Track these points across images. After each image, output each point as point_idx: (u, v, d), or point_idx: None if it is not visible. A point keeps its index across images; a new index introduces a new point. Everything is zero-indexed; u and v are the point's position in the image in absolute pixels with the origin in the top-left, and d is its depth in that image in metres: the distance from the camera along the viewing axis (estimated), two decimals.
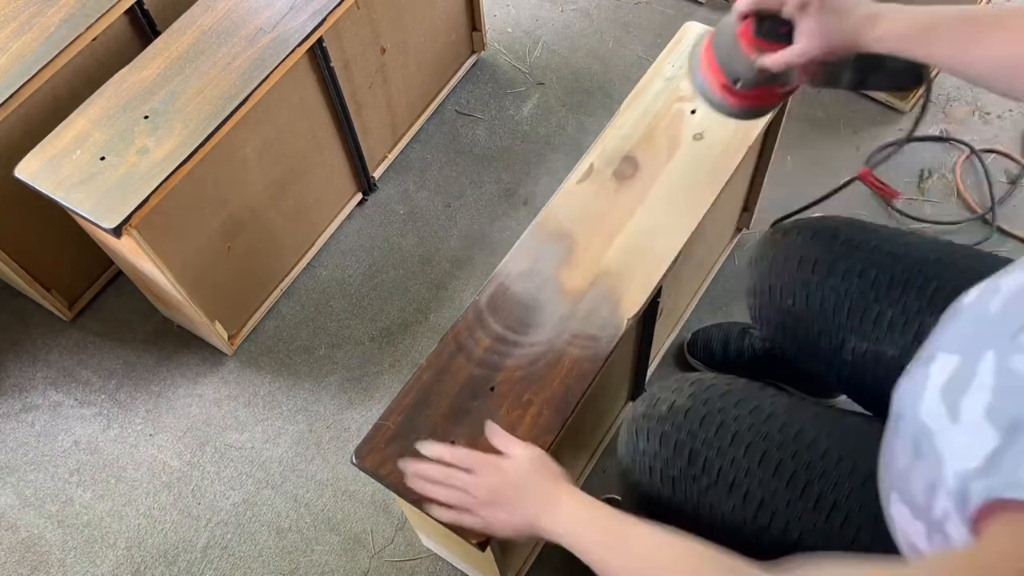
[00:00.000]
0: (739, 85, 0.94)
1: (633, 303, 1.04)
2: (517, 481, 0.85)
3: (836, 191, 1.32)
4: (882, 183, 1.56)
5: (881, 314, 0.95)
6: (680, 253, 1.08)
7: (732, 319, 1.55)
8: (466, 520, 0.86)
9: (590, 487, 1.44)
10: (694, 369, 1.52)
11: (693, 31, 1.28)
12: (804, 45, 0.85)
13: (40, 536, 1.45)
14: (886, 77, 0.93)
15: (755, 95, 0.95)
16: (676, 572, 0.73)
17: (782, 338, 1.11)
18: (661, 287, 1.09)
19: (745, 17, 0.89)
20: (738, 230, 1.66)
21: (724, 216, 1.50)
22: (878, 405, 0.96)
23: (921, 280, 0.94)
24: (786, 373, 1.44)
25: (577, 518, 0.84)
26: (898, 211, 1.70)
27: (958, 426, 0.62)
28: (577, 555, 0.80)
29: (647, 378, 1.48)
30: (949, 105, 1.85)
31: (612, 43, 1.99)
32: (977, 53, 0.75)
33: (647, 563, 0.75)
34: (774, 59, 0.87)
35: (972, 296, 0.71)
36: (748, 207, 1.61)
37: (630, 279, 1.06)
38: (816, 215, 1.11)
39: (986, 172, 1.73)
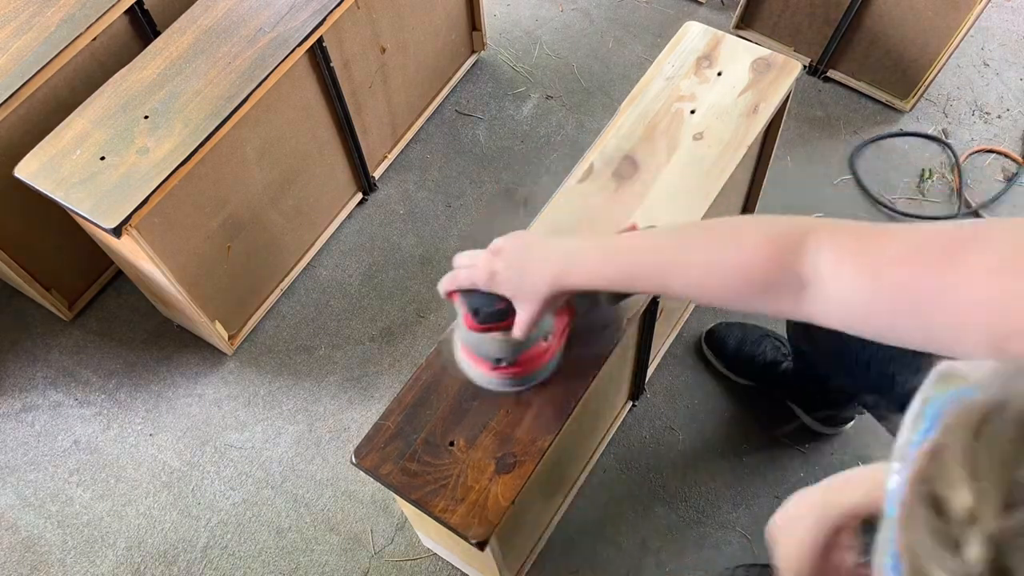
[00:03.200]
0: (504, 363, 0.94)
1: (633, 303, 1.04)
2: (527, 242, 0.85)
3: None
4: None
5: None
6: None
7: (736, 322, 1.55)
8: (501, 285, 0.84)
9: (590, 487, 1.44)
10: (706, 358, 1.53)
11: (693, 31, 1.28)
12: (522, 314, 0.84)
13: (40, 536, 1.45)
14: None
15: (525, 361, 0.95)
16: (715, 231, 0.75)
17: (825, 360, 1.06)
18: None
19: (450, 296, 0.89)
20: None
21: (724, 215, 1.50)
22: None
23: None
24: (793, 390, 1.44)
25: (599, 246, 0.82)
26: (899, 212, 1.70)
27: None
28: (617, 287, 0.81)
29: (647, 378, 1.49)
30: (949, 105, 1.85)
31: (612, 43, 1.99)
32: (675, 288, 0.77)
33: (687, 237, 0.77)
34: (514, 333, 0.86)
35: None
36: (748, 207, 1.61)
37: None
38: None
39: (961, 172, 1.73)
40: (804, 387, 1.41)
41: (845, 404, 1.38)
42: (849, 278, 0.64)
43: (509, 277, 0.83)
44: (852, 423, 1.43)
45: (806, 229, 0.68)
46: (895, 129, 1.82)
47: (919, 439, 0.43)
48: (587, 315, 0.97)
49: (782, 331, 1.46)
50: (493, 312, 0.86)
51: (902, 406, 0.89)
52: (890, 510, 0.43)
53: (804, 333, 1.07)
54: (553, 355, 0.97)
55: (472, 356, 0.96)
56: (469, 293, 0.87)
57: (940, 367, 0.50)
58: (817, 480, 1.42)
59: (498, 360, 0.93)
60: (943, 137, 1.79)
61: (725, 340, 1.50)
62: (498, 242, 0.86)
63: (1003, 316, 0.54)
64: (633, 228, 0.98)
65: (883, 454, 1.34)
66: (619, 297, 0.96)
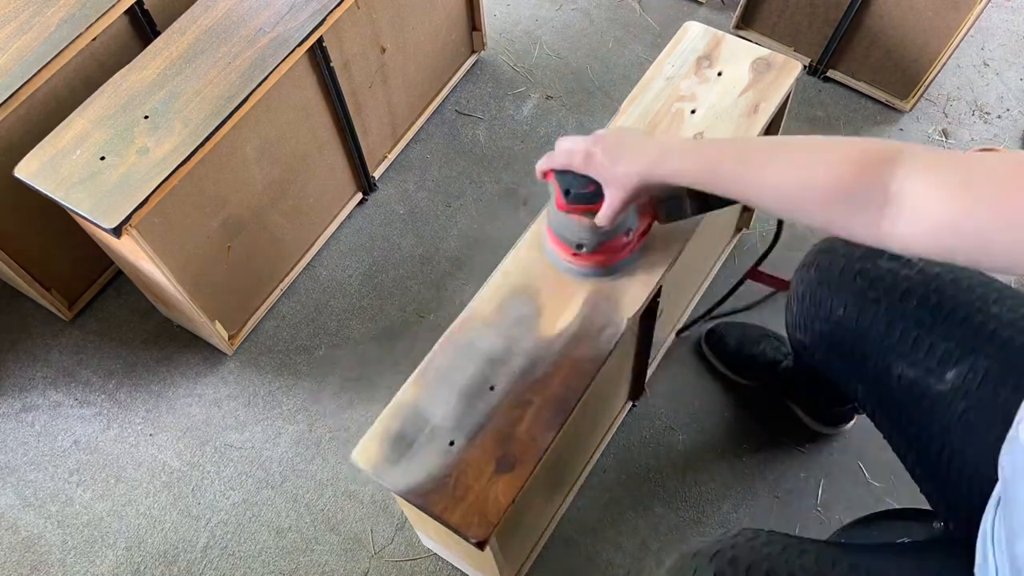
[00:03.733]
0: (584, 250, 0.97)
1: (633, 303, 1.04)
2: (626, 133, 0.90)
3: (732, 291, 1.47)
4: (772, 276, 1.56)
5: (934, 345, 0.91)
6: (680, 253, 1.08)
7: (736, 322, 1.55)
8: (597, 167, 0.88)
9: (590, 487, 1.44)
10: (706, 358, 1.53)
11: (693, 31, 1.28)
12: (610, 199, 0.88)
13: (40, 536, 1.45)
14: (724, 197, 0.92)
15: (604, 252, 0.98)
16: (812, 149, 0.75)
17: (822, 350, 1.06)
18: (661, 287, 1.09)
19: (545, 176, 0.93)
20: (738, 230, 1.66)
21: (724, 216, 1.50)
22: (912, 440, 0.94)
23: (980, 319, 0.89)
24: (793, 389, 1.44)
25: (694, 146, 0.85)
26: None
27: None
28: (702, 185, 0.83)
29: (647, 378, 1.49)
30: (949, 105, 1.85)
31: (612, 43, 1.99)
32: (756, 190, 0.78)
33: (779, 141, 0.78)
34: (598, 220, 0.90)
35: None
36: (748, 208, 1.61)
37: (630, 279, 1.06)
38: None
39: None
40: (804, 386, 1.41)
41: (844, 404, 1.38)
42: (940, 193, 0.64)
43: (604, 161, 0.87)
44: (852, 423, 1.43)
45: (899, 150, 0.69)
46: (895, 129, 1.82)
47: None
48: (668, 220, 0.98)
49: (782, 330, 1.46)
50: (583, 193, 0.90)
51: (899, 401, 0.88)
52: None
53: (803, 325, 1.07)
54: (631, 252, 1.01)
55: (556, 239, 0.99)
56: (564, 174, 0.91)
57: None
58: (817, 481, 1.43)
59: (579, 246, 0.96)
60: (942, 139, 1.79)
61: (725, 339, 1.50)
62: (599, 132, 0.90)
63: None
64: None
65: (880, 456, 1.34)
66: (704, 208, 0.96)
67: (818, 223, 0.74)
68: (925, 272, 0.95)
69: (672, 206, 0.97)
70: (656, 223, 1.02)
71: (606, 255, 0.99)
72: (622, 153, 0.86)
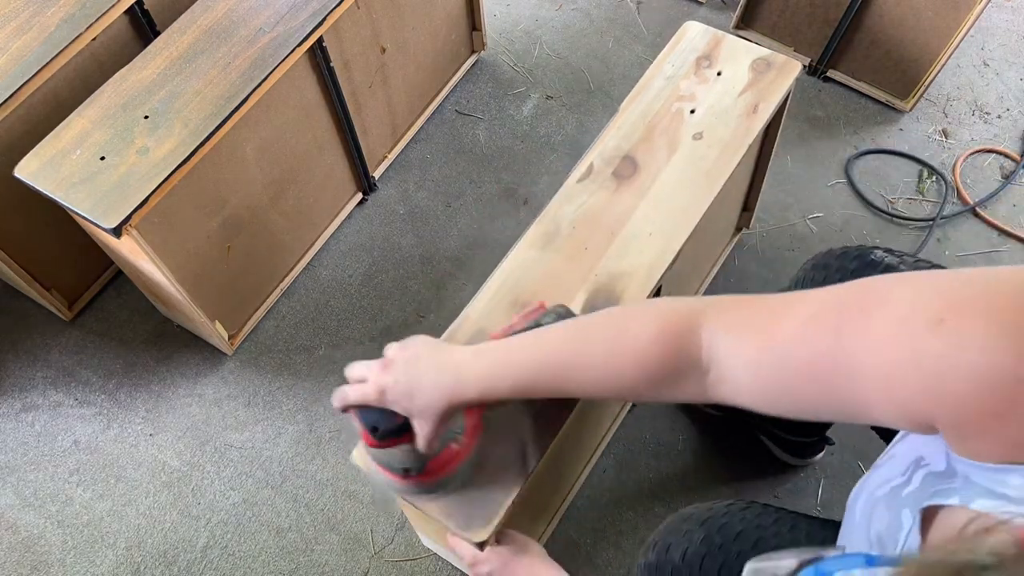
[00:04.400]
0: (414, 471, 0.88)
1: (633, 302, 1.04)
2: (416, 354, 0.81)
3: None
4: None
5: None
6: (680, 253, 1.08)
7: None
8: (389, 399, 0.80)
9: (590, 486, 1.44)
10: (652, 421, 1.48)
11: (693, 31, 1.28)
12: (421, 431, 0.80)
13: (40, 536, 1.45)
14: None
15: (436, 466, 0.89)
16: (608, 325, 0.73)
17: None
18: (661, 287, 1.09)
19: (344, 411, 0.84)
20: (738, 230, 1.66)
21: (724, 216, 1.50)
22: None
23: None
24: (763, 422, 1.41)
25: (491, 356, 0.79)
26: (897, 213, 1.70)
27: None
28: (515, 396, 0.77)
29: None
30: (949, 105, 1.85)
31: (612, 43, 1.99)
32: (576, 392, 0.75)
33: (578, 338, 0.74)
34: (420, 447, 0.81)
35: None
36: (748, 207, 1.61)
37: (630, 278, 1.06)
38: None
39: (936, 177, 1.73)
40: (772, 420, 1.38)
41: (812, 436, 1.36)
42: (745, 359, 0.63)
43: (400, 394, 0.78)
44: (821, 454, 1.42)
45: (696, 312, 0.67)
46: (895, 129, 1.82)
47: None
48: (497, 407, 0.90)
49: None
50: (392, 428, 0.81)
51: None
52: None
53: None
54: (468, 454, 0.90)
55: (383, 469, 0.90)
56: (365, 410, 0.82)
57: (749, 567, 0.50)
58: (818, 481, 1.42)
59: (406, 471, 0.88)
60: (942, 137, 1.79)
61: None
62: (389, 352, 0.82)
63: (906, 380, 0.52)
64: (541, 307, 0.96)
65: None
66: (529, 401, 0.92)
67: (650, 400, 0.73)
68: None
69: (495, 401, 0.87)
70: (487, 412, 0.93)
71: (439, 469, 0.89)
72: (416, 381, 0.78)
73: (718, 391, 0.67)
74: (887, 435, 0.95)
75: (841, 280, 0.96)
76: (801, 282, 1.05)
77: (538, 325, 0.89)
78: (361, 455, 0.94)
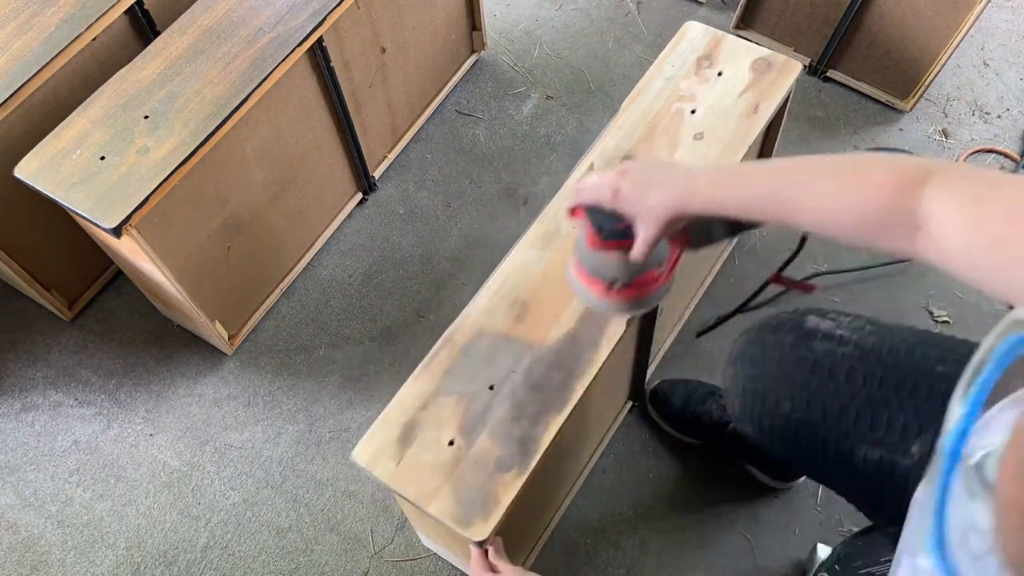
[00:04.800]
0: (617, 285, 0.94)
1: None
2: (653, 164, 0.87)
3: (753, 297, 1.43)
4: (796, 281, 1.51)
5: (892, 420, 0.89)
6: (680, 252, 1.08)
7: (679, 379, 1.49)
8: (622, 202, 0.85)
9: (590, 487, 1.44)
10: (654, 421, 1.48)
11: (693, 31, 1.28)
12: (643, 233, 0.84)
13: (40, 536, 1.45)
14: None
15: (638, 285, 0.95)
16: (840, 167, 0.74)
17: (779, 445, 1.02)
18: None
19: (573, 214, 0.90)
20: None
21: None
22: (894, 517, 0.90)
23: (928, 383, 0.87)
24: (745, 450, 1.39)
25: (724, 173, 0.83)
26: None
27: None
28: (738, 215, 0.81)
29: (647, 378, 1.48)
30: (949, 105, 1.85)
31: (612, 43, 1.99)
32: (793, 217, 0.77)
33: (813, 168, 0.77)
34: (633, 255, 0.86)
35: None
36: None
37: None
38: (791, 310, 1.02)
39: None
40: (752, 448, 1.37)
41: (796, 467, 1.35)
42: (955, 227, 0.64)
43: (633, 196, 0.84)
44: (804, 477, 1.40)
45: (929, 171, 0.68)
46: (895, 129, 1.82)
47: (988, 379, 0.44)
48: (698, 247, 0.96)
49: None
50: (616, 230, 0.87)
51: (868, 481, 0.86)
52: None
53: (749, 420, 1.02)
54: (664, 283, 0.98)
55: (587, 277, 0.96)
56: (594, 212, 0.88)
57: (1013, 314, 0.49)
58: (818, 483, 1.41)
59: (613, 281, 0.94)
60: (942, 137, 1.79)
61: (669, 399, 1.44)
62: (626, 163, 0.87)
63: None
64: None
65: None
66: (735, 231, 0.94)
67: (859, 244, 0.74)
68: (862, 346, 0.92)
69: (701, 233, 0.94)
70: (687, 250, 0.99)
71: (639, 289, 0.96)
72: (651, 187, 0.83)
73: (926, 249, 0.68)
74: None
75: (780, 358, 0.96)
76: (738, 360, 1.03)
77: None
78: (571, 267, 0.99)
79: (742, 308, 1.51)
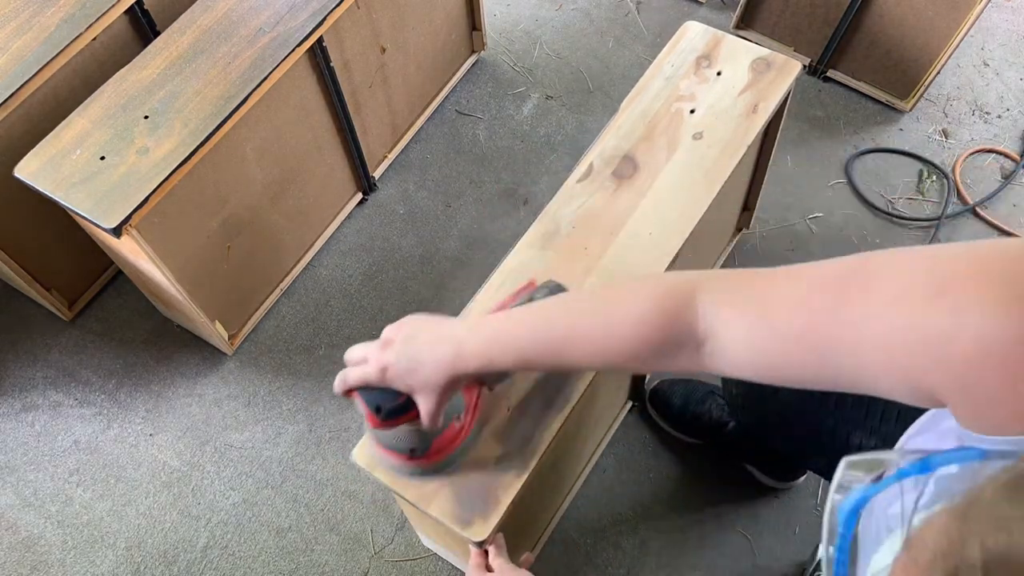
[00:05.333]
0: (419, 452, 0.90)
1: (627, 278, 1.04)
2: (415, 329, 0.83)
3: None
4: None
5: (887, 409, 0.88)
6: (680, 252, 1.08)
7: (680, 379, 1.49)
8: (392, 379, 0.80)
9: (590, 486, 1.44)
10: (654, 421, 1.48)
11: (693, 31, 1.28)
12: (425, 407, 0.80)
13: (40, 536, 1.45)
14: None
15: (440, 446, 0.91)
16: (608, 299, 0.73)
17: (776, 433, 1.01)
18: None
19: (347, 394, 0.84)
20: (738, 230, 1.66)
21: (724, 216, 1.50)
22: None
23: None
24: (745, 450, 1.40)
25: (490, 329, 0.79)
26: (897, 213, 1.70)
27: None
28: (514, 369, 0.78)
29: (647, 378, 1.48)
30: (949, 105, 1.85)
31: (612, 43, 1.99)
32: (572, 365, 0.76)
33: (575, 310, 0.76)
34: (424, 425, 0.81)
35: None
36: (748, 206, 1.61)
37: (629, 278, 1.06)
38: None
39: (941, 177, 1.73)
40: (753, 449, 1.38)
41: (796, 462, 1.35)
42: (744, 331, 0.63)
43: (401, 371, 0.79)
44: (804, 476, 1.40)
45: (694, 284, 0.67)
46: (895, 129, 1.82)
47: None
48: (497, 383, 0.92)
49: None
50: (395, 407, 0.81)
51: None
52: None
53: (746, 405, 1.03)
54: (469, 432, 0.93)
55: (387, 451, 0.91)
56: (368, 389, 0.82)
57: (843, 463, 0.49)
58: (817, 481, 1.42)
59: (412, 451, 0.89)
60: (942, 137, 1.79)
61: (669, 399, 1.44)
62: (387, 332, 0.83)
63: (909, 350, 0.52)
64: (532, 284, 0.97)
65: None
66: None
67: (645, 371, 0.73)
68: None
69: (495, 374, 0.89)
70: (486, 389, 0.96)
71: (444, 449, 0.92)
72: (416, 356, 0.78)
73: (715, 363, 0.67)
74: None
75: None
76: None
77: (531, 300, 0.89)
78: (367, 442, 0.95)
79: None
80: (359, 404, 0.83)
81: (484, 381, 0.88)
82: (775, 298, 0.61)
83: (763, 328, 0.61)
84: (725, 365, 0.66)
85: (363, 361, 0.82)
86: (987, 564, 0.36)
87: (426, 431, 0.85)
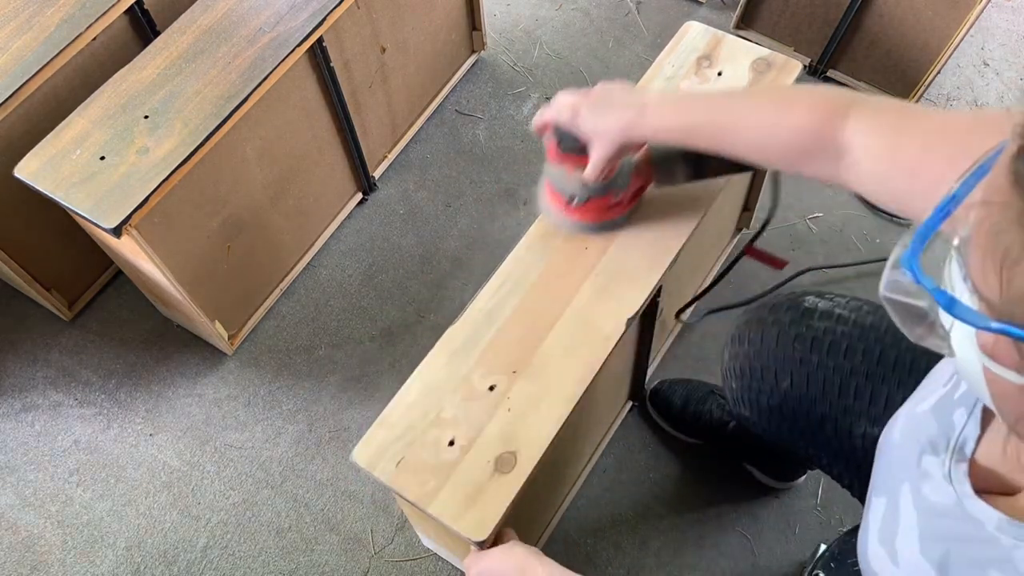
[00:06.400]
0: (575, 202, 1.00)
1: (633, 303, 1.04)
2: (616, 88, 0.91)
3: (728, 268, 1.42)
4: (769, 255, 1.51)
5: (891, 397, 0.89)
6: (680, 252, 1.08)
7: (679, 379, 1.49)
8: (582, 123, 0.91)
9: (590, 487, 1.44)
10: (654, 421, 1.48)
11: (693, 31, 1.28)
12: (594, 154, 0.90)
13: (40, 536, 1.45)
14: (718, 164, 0.94)
15: (593, 207, 1.01)
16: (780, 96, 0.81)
17: (776, 425, 1.01)
18: (661, 287, 1.09)
19: (540, 133, 0.96)
20: (738, 230, 1.66)
21: (724, 216, 1.50)
22: None
23: (926, 361, 0.88)
24: (745, 450, 1.39)
25: (674, 101, 0.89)
26: (897, 215, 1.70)
27: (899, 569, 0.63)
28: (682, 141, 0.87)
29: (647, 378, 1.48)
30: (949, 105, 1.85)
31: (612, 43, 1.99)
32: (729, 144, 0.84)
33: (747, 97, 0.86)
34: (585, 174, 0.93)
35: (888, 429, 0.73)
36: (748, 207, 1.61)
37: (629, 279, 1.06)
38: (787, 292, 1.03)
39: None
40: (754, 448, 1.37)
41: (798, 461, 1.35)
42: (874, 152, 0.70)
43: (589, 117, 0.89)
44: (805, 476, 1.40)
45: (851, 101, 0.74)
46: None
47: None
48: (662, 184, 1.01)
49: None
50: (574, 146, 0.92)
51: (867, 460, 0.88)
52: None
53: (747, 400, 1.03)
54: (621, 213, 1.04)
55: (551, 191, 1.02)
56: (558, 128, 0.93)
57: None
58: (817, 481, 1.42)
59: (571, 198, 1.00)
60: None
61: (670, 399, 1.44)
62: (596, 86, 0.92)
63: None
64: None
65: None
66: (695, 175, 0.99)
67: (786, 169, 0.80)
68: (860, 324, 0.93)
69: (665, 170, 0.99)
70: (652, 186, 1.05)
71: (596, 211, 1.02)
72: (605, 109, 0.88)
73: (847, 176, 0.74)
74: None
75: (779, 334, 0.97)
76: (738, 339, 1.03)
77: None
78: (542, 184, 1.05)
79: (712, 286, 1.47)
80: (547, 138, 0.96)
81: (656, 177, 1.00)
82: (915, 131, 0.68)
83: (892, 155, 0.68)
84: (855, 180, 0.73)
85: (560, 104, 0.92)
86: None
87: (588, 186, 0.96)
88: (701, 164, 0.97)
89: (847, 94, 0.76)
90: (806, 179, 0.80)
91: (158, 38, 1.35)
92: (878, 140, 0.70)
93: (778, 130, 0.78)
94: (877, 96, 0.75)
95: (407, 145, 1.84)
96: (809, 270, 1.62)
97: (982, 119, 0.63)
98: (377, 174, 1.79)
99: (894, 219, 1.70)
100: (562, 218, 1.04)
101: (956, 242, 0.44)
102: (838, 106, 0.74)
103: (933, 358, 0.86)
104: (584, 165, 0.93)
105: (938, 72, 1.73)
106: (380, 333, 1.62)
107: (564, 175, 0.98)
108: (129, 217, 1.18)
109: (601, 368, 1.01)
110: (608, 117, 0.88)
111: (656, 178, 1.01)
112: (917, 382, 0.87)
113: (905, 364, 0.89)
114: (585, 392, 1.00)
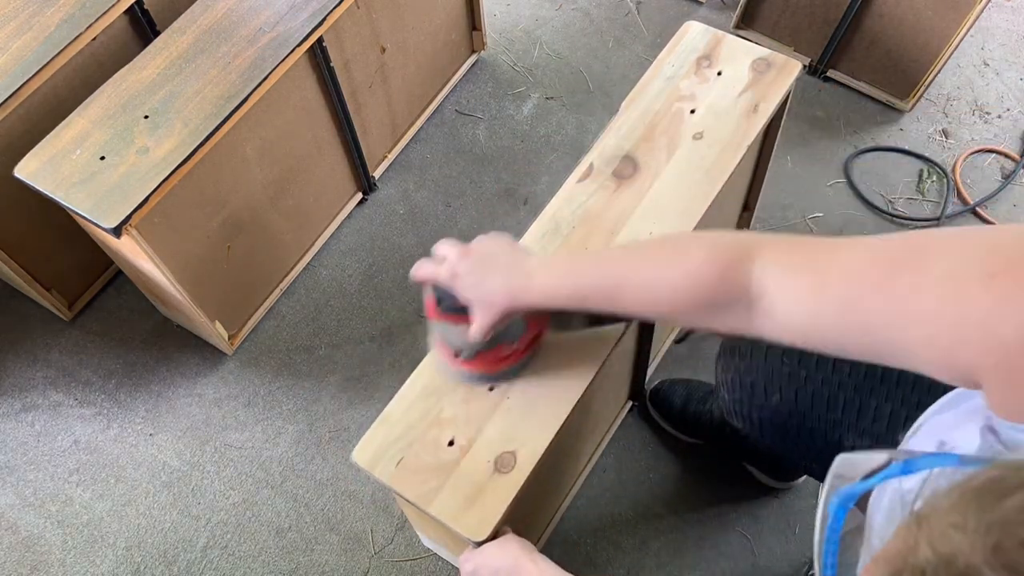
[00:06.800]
0: (463, 355, 0.93)
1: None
2: (495, 250, 0.87)
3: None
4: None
5: (879, 409, 0.89)
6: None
7: (680, 379, 1.49)
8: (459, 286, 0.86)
9: (590, 486, 1.44)
10: (654, 421, 1.48)
11: (693, 31, 1.28)
12: (478, 321, 0.84)
13: (40, 536, 1.45)
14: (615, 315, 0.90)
15: (484, 360, 0.94)
16: (664, 249, 0.77)
17: (769, 436, 1.02)
18: None
19: (419, 283, 0.90)
20: (738, 230, 1.66)
21: (724, 215, 1.50)
22: None
23: (913, 377, 0.87)
24: (745, 450, 1.39)
25: (557, 265, 0.84)
26: (897, 213, 1.70)
27: None
28: (572, 306, 0.82)
29: (647, 378, 1.48)
30: (949, 105, 1.85)
31: (612, 43, 1.99)
32: (627, 309, 0.79)
33: (636, 255, 0.79)
34: (470, 335, 0.86)
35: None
36: (748, 206, 1.61)
37: None
38: None
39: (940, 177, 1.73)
40: (752, 447, 1.37)
41: (791, 465, 1.35)
42: (794, 294, 0.65)
43: (468, 283, 0.84)
44: (804, 477, 1.40)
45: (751, 244, 0.69)
46: (895, 129, 1.82)
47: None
48: (558, 331, 0.96)
49: None
50: (454, 306, 0.87)
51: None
52: None
53: (739, 413, 1.03)
54: (518, 361, 0.96)
55: (439, 342, 0.97)
56: (425, 281, 0.88)
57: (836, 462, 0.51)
58: (818, 484, 1.42)
59: (457, 352, 0.94)
60: (943, 137, 1.79)
61: (670, 399, 1.44)
62: (473, 243, 0.87)
63: (953, 328, 0.53)
64: None
65: None
66: (592, 323, 0.95)
67: (696, 327, 0.75)
68: None
69: (560, 319, 0.94)
70: (548, 333, 0.99)
71: (487, 364, 0.95)
72: (487, 273, 0.83)
73: (764, 324, 0.68)
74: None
75: (768, 348, 0.95)
76: (729, 351, 1.03)
77: None
78: (431, 330, 0.99)
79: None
80: (426, 294, 0.90)
81: (552, 324, 0.94)
82: (833, 266, 0.62)
83: (816, 294, 0.63)
84: (773, 327, 0.67)
85: (442, 260, 0.88)
86: (928, 568, 0.37)
87: (474, 343, 0.89)
88: (597, 315, 0.90)
89: (743, 237, 0.71)
90: (716, 327, 0.74)
91: (158, 38, 1.35)
92: (795, 280, 0.65)
93: (676, 285, 0.73)
94: (772, 235, 0.70)
95: (407, 145, 1.83)
96: None
97: (904, 244, 0.59)
98: (377, 174, 1.79)
99: (894, 219, 1.70)
100: (451, 369, 0.97)
101: None
102: (739, 251, 0.69)
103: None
104: (465, 323, 0.86)
105: (938, 72, 1.73)
106: (380, 333, 1.62)
107: (447, 328, 0.91)
108: (129, 217, 1.18)
109: (601, 368, 1.01)
110: (491, 282, 0.82)
111: (552, 324, 0.96)
112: (904, 394, 0.87)
113: (892, 377, 0.89)
114: (585, 392, 1.00)
